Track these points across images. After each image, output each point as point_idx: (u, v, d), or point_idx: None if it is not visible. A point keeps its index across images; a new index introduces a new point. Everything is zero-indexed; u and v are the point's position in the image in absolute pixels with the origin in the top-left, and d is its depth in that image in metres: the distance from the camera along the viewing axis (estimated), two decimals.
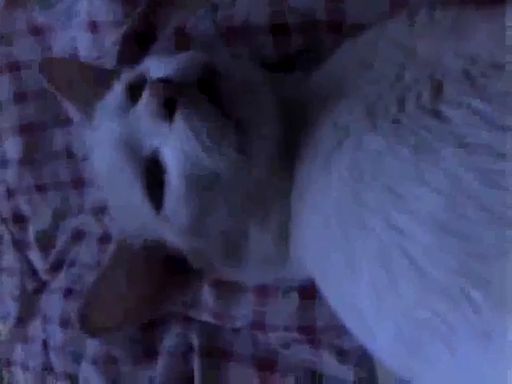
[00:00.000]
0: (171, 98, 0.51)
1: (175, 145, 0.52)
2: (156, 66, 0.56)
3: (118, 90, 0.59)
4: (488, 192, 0.41)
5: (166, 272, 0.61)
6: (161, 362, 0.74)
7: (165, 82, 0.52)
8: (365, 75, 0.53)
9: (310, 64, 0.63)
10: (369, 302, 0.48)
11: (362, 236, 0.47)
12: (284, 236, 0.58)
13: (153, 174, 0.54)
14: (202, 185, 0.53)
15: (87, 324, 0.59)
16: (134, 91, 0.56)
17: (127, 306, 0.61)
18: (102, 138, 0.58)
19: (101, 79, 0.64)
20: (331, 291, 0.56)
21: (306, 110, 0.57)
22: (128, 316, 0.62)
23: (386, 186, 0.45)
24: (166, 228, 0.57)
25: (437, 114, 0.45)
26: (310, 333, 0.67)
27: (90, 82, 0.67)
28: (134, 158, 0.55)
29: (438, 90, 0.46)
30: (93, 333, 0.61)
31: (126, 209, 0.59)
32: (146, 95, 0.52)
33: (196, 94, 0.52)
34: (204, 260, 0.60)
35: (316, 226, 0.53)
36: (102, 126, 0.59)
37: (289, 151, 0.56)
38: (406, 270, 0.44)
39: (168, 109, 0.51)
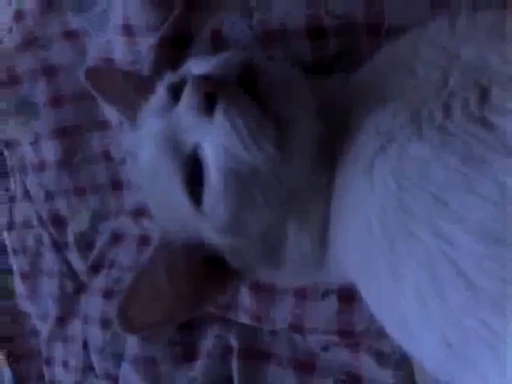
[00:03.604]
0: (212, 94, 0.51)
1: (215, 140, 0.52)
2: (197, 65, 0.56)
3: (161, 91, 0.59)
4: None
5: (205, 271, 0.61)
6: (200, 364, 0.75)
7: (205, 78, 0.52)
8: (407, 79, 0.52)
9: (349, 68, 0.62)
10: (413, 308, 0.47)
11: (407, 244, 0.46)
12: (322, 238, 0.58)
13: (194, 170, 0.54)
14: (240, 180, 0.53)
15: (126, 320, 0.60)
16: (176, 93, 0.56)
17: (166, 303, 0.61)
18: (145, 135, 0.58)
19: (143, 85, 0.65)
20: (372, 296, 0.55)
21: (345, 113, 0.56)
22: (166, 314, 0.62)
23: (432, 194, 0.44)
24: (205, 225, 0.57)
25: (484, 122, 0.44)
26: (349, 336, 0.67)
27: (132, 88, 0.67)
28: (175, 154, 0.55)
29: (484, 96, 0.45)
30: (131, 329, 0.61)
31: (167, 205, 0.59)
32: (186, 91, 0.52)
33: (236, 90, 0.52)
34: (242, 260, 0.60)
35: (357, 230, 0.52)
36: (145, 125, 0.59)
37: (329, 152, 0.55)
38: (452, 279, 0.43)
39: (209, 104, 0.51)
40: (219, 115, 0.51)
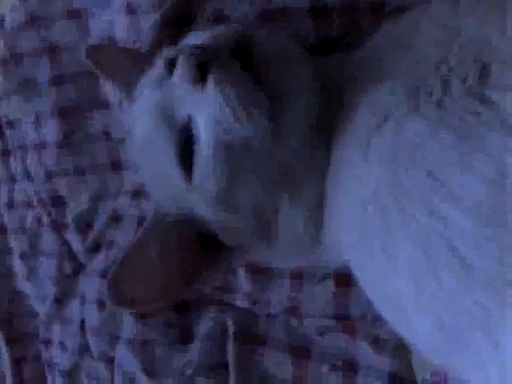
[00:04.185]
0: (204, 63, 0.51)
1: (207, 111, 0.52)
2: (193, 38, 0.56)
3: (158, 64, 0.59)
4: None
5: (198, 248, 0.61)
6: (196, 347, 0.75)
7: (198, 48, 0.52)
8: (406, 56, 0.51)
9: (351, 47, 0.61)
10: (407, 289, 0.46)
11: (402, 222, 0.45)
12: (317, 216, 0.57)
13: (187, 143, 0.54)
14: (231, 153, 0.52)
15: (117, 292, 0.60)
16: (173, 66, 0.55)
17: (158, 279, 0.61)
18: (140, 107, 0.58)
19: (144, 61, 0.64)
20: (365, 276, 0.55)
21: (343, 90, 0.55)
22: (158, 290, 0.62)
23: (428, 171, 0.44)
24: (197, 199, 0.56)
25: (483, 98, 0.43)
26: (345, 321, 0.66)
27: (133, 65, 0.67)
28: (169, 126, 0.55)
29: (484, 72, 0.44)
30: (122, 302, 0.61)
31: (160, 178, 0.59)
32: (179, 61, 0.52)
33: (229, 60, 0.52)
34: (234, 236, 0.60)
35: (352, 209, 0.51)
36: (140, 97, 0.59)
37: (326, 129, 0.55)
38: (446, 258, 0.42)
39: (200, 74, 0.51)
40: (210, 85, 0.51)
